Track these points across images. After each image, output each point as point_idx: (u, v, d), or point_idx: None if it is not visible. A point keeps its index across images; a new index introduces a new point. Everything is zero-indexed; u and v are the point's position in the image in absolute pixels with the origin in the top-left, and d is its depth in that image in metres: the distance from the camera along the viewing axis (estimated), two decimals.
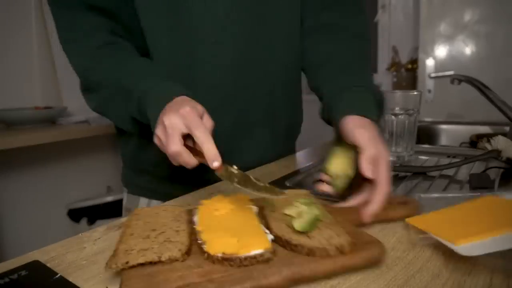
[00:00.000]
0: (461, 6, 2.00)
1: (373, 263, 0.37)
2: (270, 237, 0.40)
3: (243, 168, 0.49)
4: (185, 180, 0.71)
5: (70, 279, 0.37)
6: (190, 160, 0.48)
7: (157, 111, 0.51)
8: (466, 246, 0.36)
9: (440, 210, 0.46)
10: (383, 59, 2.74)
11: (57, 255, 0.43)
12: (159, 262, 0.37)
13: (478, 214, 0.44)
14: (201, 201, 0.50)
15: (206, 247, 0.38)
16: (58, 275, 0.37)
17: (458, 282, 0.35)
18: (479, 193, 0.55)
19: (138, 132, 0.64)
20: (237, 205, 0.48)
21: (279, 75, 0.76)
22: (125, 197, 0.83)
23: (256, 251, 0.36)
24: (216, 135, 0.49)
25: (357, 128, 0.51)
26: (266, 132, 0.77)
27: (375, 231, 0.46)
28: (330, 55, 0.71)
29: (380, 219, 0.47)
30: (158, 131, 0.50)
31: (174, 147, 0.47)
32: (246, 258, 0.36)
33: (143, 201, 0.79)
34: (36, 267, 0.38)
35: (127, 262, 0.36)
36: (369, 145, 0.48)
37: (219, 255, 0.36)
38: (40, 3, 1.81)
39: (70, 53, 0.65)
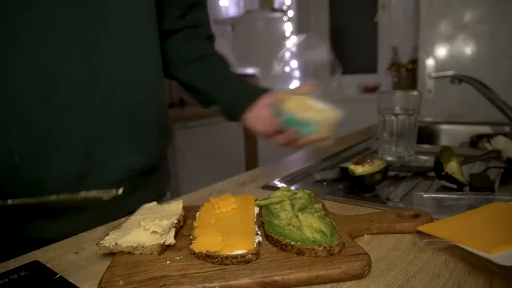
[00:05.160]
0: (461, 6, 2.00)
1: (353, 277, 0.36)
2: (259, 238, 0.40)
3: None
4: None
5: (70, 279, 0.37)
6: None
7: None
8: (503, 255, 0.34)
9: (450, 217, 0.45)
10: (383, 59, 2.74)
11: (56, 255, 0.43)
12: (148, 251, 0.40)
13: (495, 221, 0.43)
14: (208, 198, 0.52)
15: (193, 243, 0.39)
16: (58, 275, 0.37)
17: (459, 282, 0.35)
18: (479, 194, 0.55)
19: None
20: (240, 205, 0.49)
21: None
22: None
23: (238, 251, 0.37)
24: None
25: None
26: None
27: (374, 232, 0.46)
28: (192, 53, 0.72)
29: (392, 231, 0.45)
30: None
31: None
32: (227, 257, 0.37)
33: None
34: (36, 267, 0.38)
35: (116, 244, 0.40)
36: None
37: (204, 252, 0.37)
38: None
39: None
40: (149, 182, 0.66)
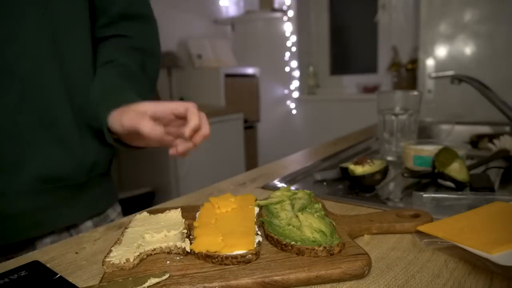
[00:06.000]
0: (461, 6, 2.00)
1: (353, 277, 0.36)
2: (259, 238, 0.40)
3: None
4: None
5: (70, 279, 0.37)
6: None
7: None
8: (503, 255, 0.34)
9: (450, 217, 0.45)
10: (383, 59, 2.74)
11: (57, 255, 0.43)
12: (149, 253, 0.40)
13: (495, 221, 0.43)
14: (209, 198, 0.52)
15: (193, 243, 0.39)
16: (58, 275, 0.37)
17: (459, 282, 0.35)
18: (479, 194, 0.55)
19: None
20: (240, 205, 0.49)
21: None
22: None
23: (238, 251, 0.37)
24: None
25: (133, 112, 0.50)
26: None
27: (374, 232, 0.46)
28: (105, 57, 0.66)
29: (392, 231, 0.45)
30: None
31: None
32: (227, 257, 0.37)
33: None
34: (36, 267, 0.38)
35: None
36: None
37: (204, 252, 0.37)
38: None
39: None
40: (75, 198, 0.60)
